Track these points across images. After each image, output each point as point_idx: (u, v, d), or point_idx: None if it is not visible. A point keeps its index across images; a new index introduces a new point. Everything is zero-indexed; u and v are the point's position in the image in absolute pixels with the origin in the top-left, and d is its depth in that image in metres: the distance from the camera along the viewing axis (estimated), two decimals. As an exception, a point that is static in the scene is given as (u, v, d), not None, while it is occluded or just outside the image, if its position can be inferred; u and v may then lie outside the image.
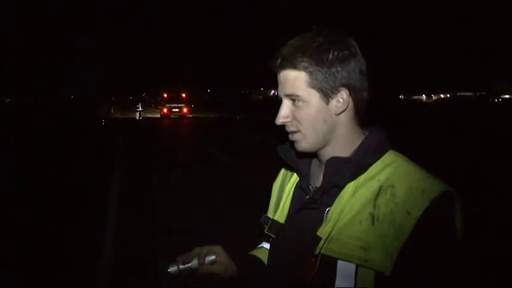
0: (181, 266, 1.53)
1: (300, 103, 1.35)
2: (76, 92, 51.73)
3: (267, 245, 1.70)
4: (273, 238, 1.54)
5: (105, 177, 10.80)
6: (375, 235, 1.26)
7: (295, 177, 1.54)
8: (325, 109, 1.35)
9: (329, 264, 1.30)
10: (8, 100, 37.03)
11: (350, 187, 1.33)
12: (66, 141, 18.95)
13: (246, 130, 25.60)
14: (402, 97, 70.51)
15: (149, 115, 45.88)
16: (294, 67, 1.34)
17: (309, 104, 1.35)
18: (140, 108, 40.85)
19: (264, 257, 1.69)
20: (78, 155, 14.87)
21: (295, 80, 1.34)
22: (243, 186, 9.40)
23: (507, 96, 63.60)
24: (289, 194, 1.53)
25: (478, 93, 70.51)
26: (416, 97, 78.67)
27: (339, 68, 1.32)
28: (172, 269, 1.54)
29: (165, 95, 43.73)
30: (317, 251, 1.31)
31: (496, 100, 63.05)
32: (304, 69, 1.33)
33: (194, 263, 1.53)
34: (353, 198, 1.31)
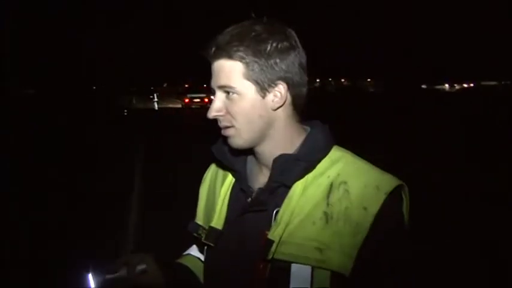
0: (108, 276, 1.38)
1: (235, 96, 1.27)
2: (97, 83, 52.06)
3: (195, 252, 1.63)
4: (209, 247, 1.42)
5: (128, 168, 10.93)
6: (330, 234, 1.21)
7: (229, 179, 1.43)
8: (261, 103, 1.27)
9: (282, 269, 1.24)
10: (31, 92, 37.41)
11: (299, 186, 1.26)
12: (89, 132, 19.16)
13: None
14: (425, 87, 69.68)
15: (170, 105, 46.08)
16: (229, 56, 1.25)
17: (244, 97, 1.26)
18: (156, 99, 41.94)
19: (193, 265, 1.60)
20: (101, 146, 15.04)
21: (229, 70, 1.26)
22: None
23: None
24: (225, 198, 1.41)
25: (502, 83, 69.38)
26: (438, 86, 77.78)
27: (277, 60, 1.25)
28: (96, 279, 1.38)
29: (186, 85, 43.87)
30: (270, 256, 1.23)
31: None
32: (240, 59, 1.24)
33: (123, 272, 1.39)
34: (303, 198, 1.25)
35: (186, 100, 41.05)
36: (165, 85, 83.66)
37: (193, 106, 39.69)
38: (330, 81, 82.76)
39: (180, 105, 42.97)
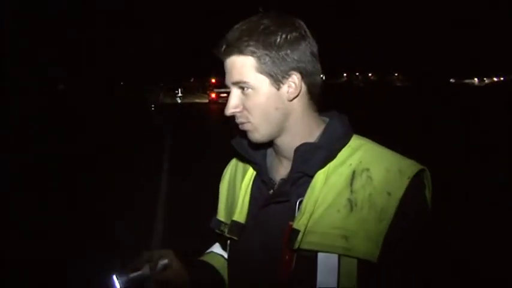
0: (132, 275, 1.36)
1: (249, 91, 1.26)
2: (126, 79, 52.54)
3: (217, 250, 1.63)
4: (233, 241, 1.41)
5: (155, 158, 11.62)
6: (355, 222, 1.20)
7: (250, 173, 1.43)
8: (276, 95, 1.26)
9: (308, 258, 1.22)
10: (61, 86, 37.93)
11: (321, 175, 1.26)
12: (118, 126, 19.79)
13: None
14: (453, 81, 68.64)
15: (197, 100, 46.33)
16: (240, 52, 1.24)
17: (259, 91, 1.26)
18: (180, 94, 42.63)
19: (216, 262, 1.60)
20: (129, 139, 15.57)
21: (242, 65, 1.25)
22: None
23: None
24: (246, 191, 1.41)
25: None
26: (467, 81, 76.51)
27: (288, 51, 1.24)
28: (121, 278, 1.35)
29: (213, 80, 43.97)
30: (296, 246, 1.21)
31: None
32: (252, 53, 1.24)
33: (145, 269, 1.38)
34: (326, 187, 1.25)
35: (213, 95, 41.20)
36: (192, 80, 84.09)
37: (220, 101, 39.82)
38: (357, 75, 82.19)
39: (206, 100, 43.19)
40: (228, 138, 1.43)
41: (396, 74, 72.31)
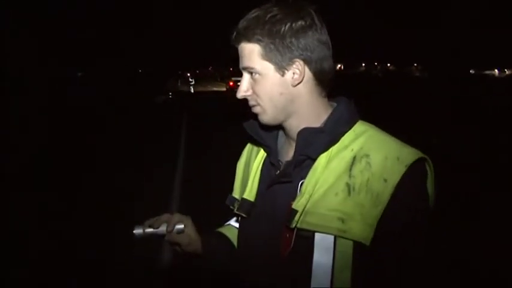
0: (148, 230, 1.48)
1: (257, 76, 1.35)
2: (143, 66, 52.73)
3: (234, 223, 1.71)
4: (243, 217, 1.50)
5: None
6: (352, 205, 1.25)
7: (261, 154, 1.52)
8: (280, 81, 1.34)
9: (306, 238, 1.29)
10: (79, 74, 38.18)
11: (323, 158, 1.31)
12: (140, 111, 20.90)
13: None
14: (473, 72, 67.72)
15: (215, 88, 46.43)
16: (248, 40, 1.33)
17: (265, 77, 1.34)
18: (192, 82, 43.20)
19: (231, 234, 1.68)
20: (150, 124, 16.28)
21: (250, 52, 1.34)
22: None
23: None
24: (256, 171, 1.50)
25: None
26: (488, 72, 75.37)
27: (293, 39, 1.30)
28: (137, 231, 1.48)
29: (231, 69, 44.07)
30: (293, 225, 1.28)
31: None
32: (258, 41, 1.32)
33: (162, 229, 1.48)
34: (327, 170, 1.30)
35: (231, 83, 41.26)
36: (210, 68, 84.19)
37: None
38: (376, 65, 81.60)
39: (224, 89, 43.28)
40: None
41: (415, 64, 71.65)
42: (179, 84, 50.20)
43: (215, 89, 45.81)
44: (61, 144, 11.83)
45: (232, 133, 4.52)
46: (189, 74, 51.59)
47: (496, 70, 76.74)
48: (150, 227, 1.49)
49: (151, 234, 1.49)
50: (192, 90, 42.71)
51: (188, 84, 49.65)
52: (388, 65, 78.77)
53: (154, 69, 51.77)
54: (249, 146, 1.65)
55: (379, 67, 79.96)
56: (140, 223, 1.50)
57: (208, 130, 14.48)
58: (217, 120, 17.06)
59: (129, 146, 11.87)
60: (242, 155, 1.67)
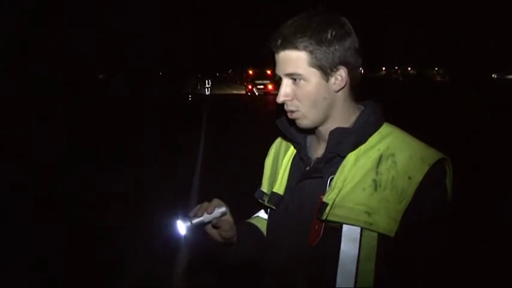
0: (194, 220, 1.54)
1: (301, 82, 1.41)
2: (164, 69, 53.12)
3: (263, 215, 1.80)
4: (272, 210, 1.60)
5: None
6: (378, 200, 1.34)
7: (291, 151, 1.61)
8: (325, 87, 1.41)
9: (334, 229, 1.38)
10: (100, 76, 38.64)
11: (351, 156, 1.40)
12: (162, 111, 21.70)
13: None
14: (495, 76, 66.78)
15: (235, 91, 46.60)
16: (295, 47, 1.38)
17: (310, 83, 1.40)
18: (208, 85, 43.92)
19: (261, 225, 1.78)
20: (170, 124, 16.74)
21: (296, 59, 1.39)
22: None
23: None
24: (286, 166, 1.59)
25: None
26: (511, 76, 74.27)
27: (337, 47, 1.38)
28: (186, 223, 1.54)
29: (250, 72, 44.17)
30: (323, 217, 1.37)
31: None
32: (305, 48, 1.38)
33: (206, 216, 1.54)
34: (355, 167, 1.39)
35: (250, 86, 41.37)
36: (230, 71, 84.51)
37: (256, 93, 39.96)
38: (396, 69, 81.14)
39: (244, 92, 43.39)
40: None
41: (436, 69, 71.02)
42: (199, 87, 50.52)
43: (234, 92, 45.99)
44: (100, 138, 12.96)
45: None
46: (205, 77, 52.00)
47: (519, 75, 75.33)
48: (194, 217, 1.55)
49: (198, 224, 1.55)
50: (208, 93, 43.15)
51: (215, 87, 50.38)
52: (409, 69, 78.26)
53: (174, 72, 52.16)
54: (276, 144, 1.75)
55: (399, 71, 79.47)
56: (183, 216, 1.56)
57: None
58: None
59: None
60: (269, 152, 1.76)
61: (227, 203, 1.59)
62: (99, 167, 9.33)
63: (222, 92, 46.72)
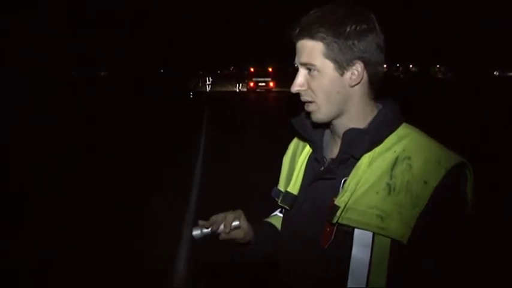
0: (205, 231, 1.56)
1: (315, 73, 1.39)
2: (164, 67, 53.01)
3: (280, 214, 1.77)
4: (286, 209, 1.59)
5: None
6: (391, 204, 1.30)
7: (307, 150, 1.58)
8: (339, 80, 1.38)
9: (346, 233, 1.35)
10: (102, 74, 38.55)
11: (366, 158, 1.36)
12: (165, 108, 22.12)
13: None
14: (497, 73, 66.34)
15: (235, 89, 46.53)
16: (311, 37, 1.37)
17: (324, 74, 1.38)
18: (209, 82, 44.50)
19: (278, 224, 1.75)
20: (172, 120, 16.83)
21: (311, 49, 1.38)
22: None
23: None
24: (301, 166, 1.57)
25: None
26: (512, 73, 73.85)
27: (355, 41, 1.35)
28: (196, 232, 1.56)
29: (252, 69, 44.11)
30: (335, 220, 1.34)
31: None
32: (321, 39, 1.36)
33: (220, 229, 1.55)
34: (369, 169, 1.35)
35: (251, 84, 41.37)
36: (231, 69, 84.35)
37: (258, 90, 39.96)
38: (397, 66, 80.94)
39: (245, 89, 43.36)
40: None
41: (438, 66, 70.72)
42: (200, 84, 50.47)
43: (235, 89, 45.94)
44: (100, 137, 13.19)
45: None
46: (206, 74, 52.12)
47: (521, 72, 74.95)
48: (206, 227, 1.56)
49: (208, 235, 1.57)
50: (208, 90, 43.40)
51: (216, 84, 50.44)
52: (410, 66, 78.05)
53: (175, 69, 52.08)
54: (295, 140, 1.71)
55: (400, 68, 79.27)
56: (196, 224, 1.58)
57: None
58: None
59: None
60: (288, 149, 1.73)
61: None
62: (99, 166, 9.31)
63: (222, 89, 46.66)
